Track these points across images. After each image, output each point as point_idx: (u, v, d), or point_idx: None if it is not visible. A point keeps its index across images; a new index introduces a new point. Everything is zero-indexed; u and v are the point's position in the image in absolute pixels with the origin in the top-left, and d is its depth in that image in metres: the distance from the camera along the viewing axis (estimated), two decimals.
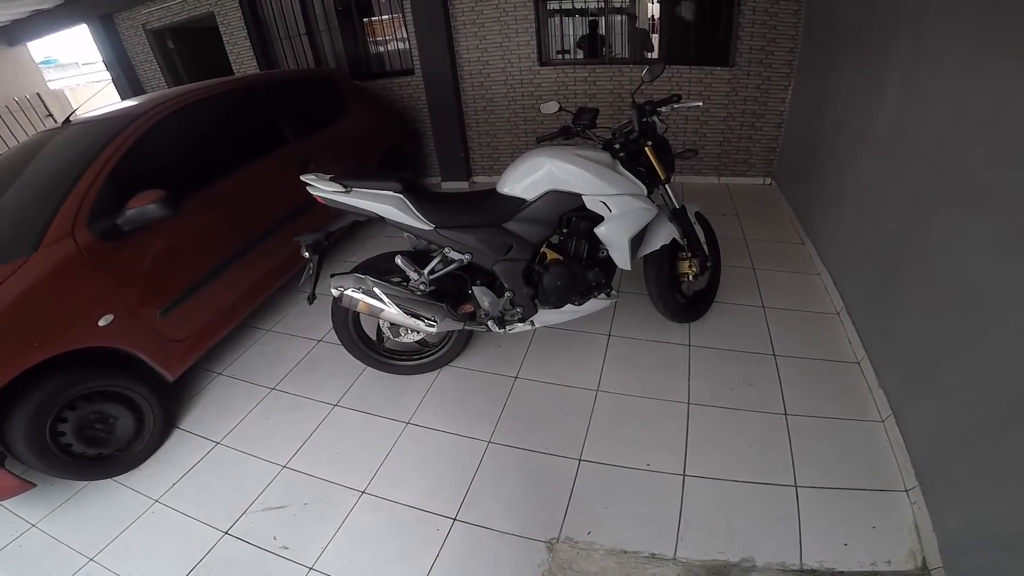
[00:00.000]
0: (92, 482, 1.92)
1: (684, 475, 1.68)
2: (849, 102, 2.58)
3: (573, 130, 2.16)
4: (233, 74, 4.82)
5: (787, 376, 2.05)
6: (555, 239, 2.02)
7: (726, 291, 2.59)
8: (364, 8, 4.27)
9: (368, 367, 2.33)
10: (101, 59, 5.57)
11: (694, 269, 2.25)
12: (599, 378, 2.16)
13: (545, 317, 2.11)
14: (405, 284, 1.98)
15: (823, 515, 1.51)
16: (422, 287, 1.95)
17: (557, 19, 3.96)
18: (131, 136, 2.16)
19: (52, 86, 9.41)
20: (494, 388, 2.17)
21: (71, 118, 2.49)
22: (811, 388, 1.98)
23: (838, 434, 1.77)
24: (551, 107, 2.26)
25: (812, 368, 2.09)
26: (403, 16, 4.04)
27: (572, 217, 1.96)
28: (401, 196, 1.84)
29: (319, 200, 1.87)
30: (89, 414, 1.84)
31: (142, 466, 1.99)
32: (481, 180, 4.60)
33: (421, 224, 1.85)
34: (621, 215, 1.93)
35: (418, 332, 2.09)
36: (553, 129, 2.27)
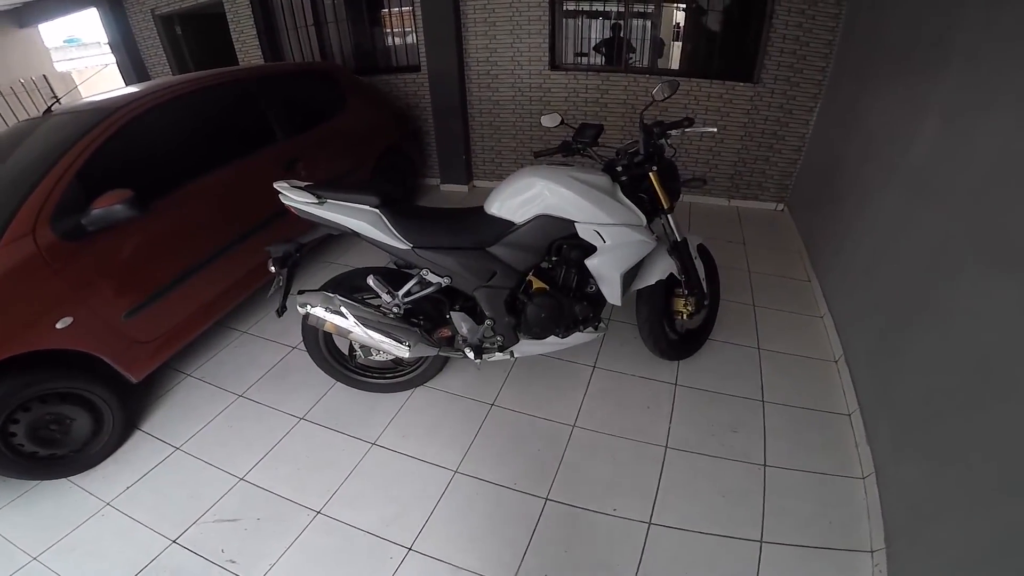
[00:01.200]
0: (44, 482, 2.00)
1: (649, 523, 1.74)
2: (879, 130, 2.57)
3: (573, 147, 2.15)
4: (237, 63, 4.93)
5: (773, 424, 2.10)
6: (544, 265, 2.02)
7: (722, 328, 2.64)
8: (375, 0, 4.37)
9: (337, 382, 2.40)
10: (107, 42, 5.75)
11: (689, 308, 2.27)
12: (577, 412, 2.21)
13: (526, 348, 2.13)
14: (378, 304, 2.01)
15: (781, 572, 1.56)
16: (395, 310, 1.98)
17: (576, 20, 4.03)
18: (105, 132, 2.21)
19: (67, 67, 9.69)
20: (468, 414, 2.24)
21: (52, 108, 2.58)
22: (796, 439, 2.03)
23: (816, 489, 1.82)
24: (552, 120, 2.25)
25: (800, 417, 2.13)
26: (412, 10, 4.13)
27: (563, 245, 1.95)
28: (377, 212, 1.84)
29: (290, 209, 1.89)
30: (43, 415, 1.90)
31: (98, 467, 2.07)
32: (481, 185, 4.68)
33: (398, 243, 1.86)
34: (615, 247, 1.92)
35: (383, 355, 2.13)
36: (553, 144, 2.27)
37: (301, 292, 1.98)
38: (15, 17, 7.48)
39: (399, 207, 1.92)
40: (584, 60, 4.16)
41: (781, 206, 4.12)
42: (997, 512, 1.16)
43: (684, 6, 3.92)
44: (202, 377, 2.55)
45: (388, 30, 4.48)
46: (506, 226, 1.91)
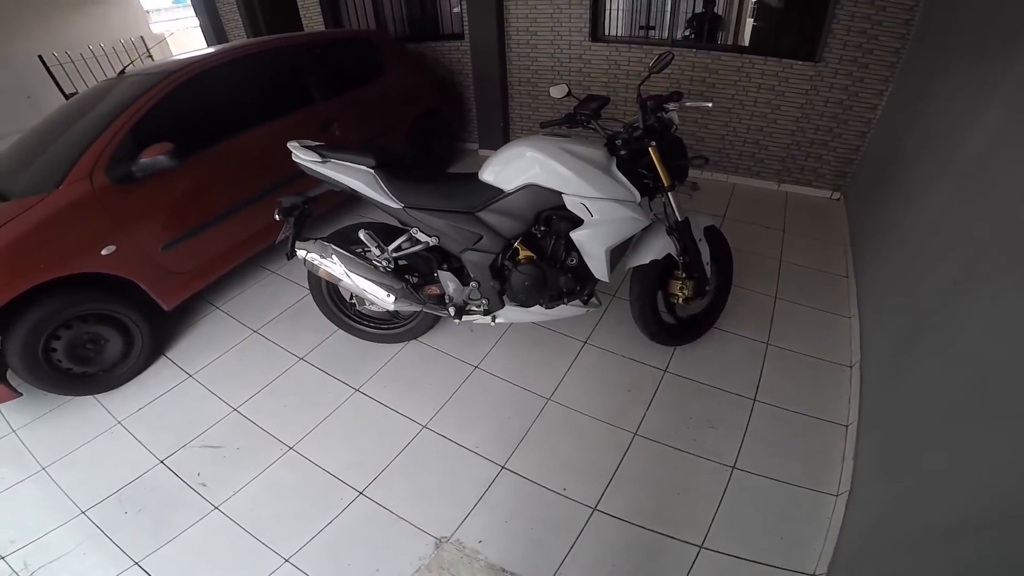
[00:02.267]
0: (75, 398, 2.20)
1: (594, 509, 1.64)
2: (940, 118, 2.20)
3: (577, 119, 2.02)
4: (303, 29, 5.04)
5: (757, 426, 1.90)
6: (536, 233, 1.95)
7: (732, 317, 2.41)
8: None
9: (339, 329, 2.45)
10: (191, 3, 6.05)
11: (686, 292, 2.08)
12: (556, 386, 2.12)
13: (511, 314, 2.09)
14: (370, 257, 2.03)
15: None
16: (384, 263, 2.00)
17: None
18: (159, 93, 2.41)
19: (169, 27, 10.42)
20: (451, 373, 2.21)
21: (126, 70, 2.79)
22: (777, 444, 1.82)
23: (779, 501, 1.63)
24: (560, 90, 2.12)
25: (790, 422, 1.91)
26: None
27: (552, 215, 1.88)
28: (372, 172, 1.88)
29: (298, 165, 1.97)
30: (82, 334, 2.11)
31: (122, 387, 2.25)
32: None
33: (390, 202, 1.89)
34: (602, 222, 1.81)
35: (375, 305, 2.15)
36: (562, 115, 2.13)
37: (304, 240, 2.05)
38: None
39: (394, 169, 1.94)
40: (644, 33, 3.82)
41: (837, 195, 3.65)
42: (956, 550, 0.96)
43: None
44: (228, 311, 2.70)
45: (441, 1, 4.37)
46: (495, 193, 1.86)
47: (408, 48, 4.09)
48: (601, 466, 1.78)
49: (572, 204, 1.80)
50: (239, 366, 2.33)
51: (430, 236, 1.92)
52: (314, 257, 2.02)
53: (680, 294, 2.11)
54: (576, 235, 1.85)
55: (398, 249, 1.99)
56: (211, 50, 2.95)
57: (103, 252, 2.09)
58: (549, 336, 2.38)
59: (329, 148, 1.94)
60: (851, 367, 2.14)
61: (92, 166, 2.11)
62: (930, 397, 1.41)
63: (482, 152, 4.53)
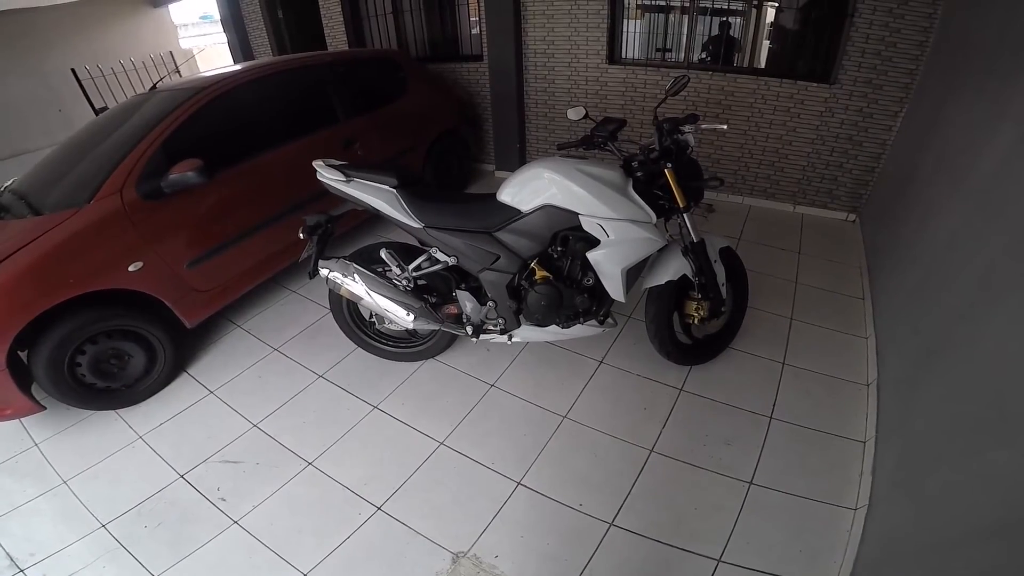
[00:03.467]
0: (97, 412, 2.29)
1: (611, 524, 1.68)
2: (953, 138, 2.26)
3: (594, 141, 2.10)
4: (326, 48, 5.28)
5: (774, 442, 1.93)
6: (552, 254, 2.01)
7: (747, 337, 2.45)
8: None
9: (357, 347, 2.53)
10: (219, 19, 6.36)
11: (702, 313, 2.13)
12: (572, 404, 2.17)
13: (527, 333, 2.14)
14: (391, 276, 2.12)
15: None
16: (404, 282, 2.08)
17: (642, 17, 3.86)
18: (189, 109, 2.51)
19: (197, 43, 10.88)
20: (468, 392, 2.28)
21: (157, 85, 2.95)
22: (794, 460, 1.86)
23: (798, 515, 1.66)
24: (577, 112, 2.22)
25: (807, 439, 1.94)
26: (479, 1, 4.18)
27: (568, 236, 1.94)
28: (394, 192, 1.97)
29: (322, 184, 2.06)
30: (107, 349, 2.20)
31: (144, 403, 2.34)
32: None
33: (410, 221, 1.97)
34: (618, 242, 1.87)
35: (395, 324, 2.23)
36: (579, 137, 2.20)
37: (326, 258, 2.14)
38: None
39: (416, 189, 2.03)
40: (660, 56, 3.96)
41: (853, 216, 3.70)
42: (975, 559, 1.00)
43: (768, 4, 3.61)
44: (249, 329, 2.80)
45: (457, 21, 4.56)
46: (512, 213, 1.93)
47: (428, 69, 4.26)
48: (617, 482, 1.82)
49: (588, 224, 1.86)
50: (259, 383, 2.41)
51: (449, 256, 2.00)
52: (336, 276, 2.11)
53: (696, 315, 2.16)
54: (593, 255, 1.91)
55: (418, 268, 2.08)
56: (239, 67, 3.09)
57: (130, 269, 2.18)
58: (565, 355, 2.44)
59: (353, 168, 2.04)
60: (867, 385, 2.17)
61: (123, 182, 2.20)
62: (947, 413, 1.45)
63: (498, 173, 4.66)
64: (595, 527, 1.67)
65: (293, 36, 5.82)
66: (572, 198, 1.84)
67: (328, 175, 2.03)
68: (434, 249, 2.02)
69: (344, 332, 2.48)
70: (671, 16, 3.90)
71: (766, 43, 3.80)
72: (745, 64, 3.86)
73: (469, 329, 2.13)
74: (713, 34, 3.83)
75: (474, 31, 4.42)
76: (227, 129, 2.73)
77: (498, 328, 2.13)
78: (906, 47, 3.13)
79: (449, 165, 4.14)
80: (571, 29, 3.86)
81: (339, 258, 2.14)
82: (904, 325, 2.12)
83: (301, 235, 2.09)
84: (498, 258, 1.97)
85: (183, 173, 2.24)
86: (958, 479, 1.21)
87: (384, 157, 3.52)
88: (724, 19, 3.77)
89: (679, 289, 2.13)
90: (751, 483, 1.78)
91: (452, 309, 2.17)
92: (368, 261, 2.15)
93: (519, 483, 1.85)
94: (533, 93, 4.29)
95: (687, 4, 3.65)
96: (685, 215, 1.99)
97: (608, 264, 1.92)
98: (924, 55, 3.10)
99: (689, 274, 2.08)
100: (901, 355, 1.99)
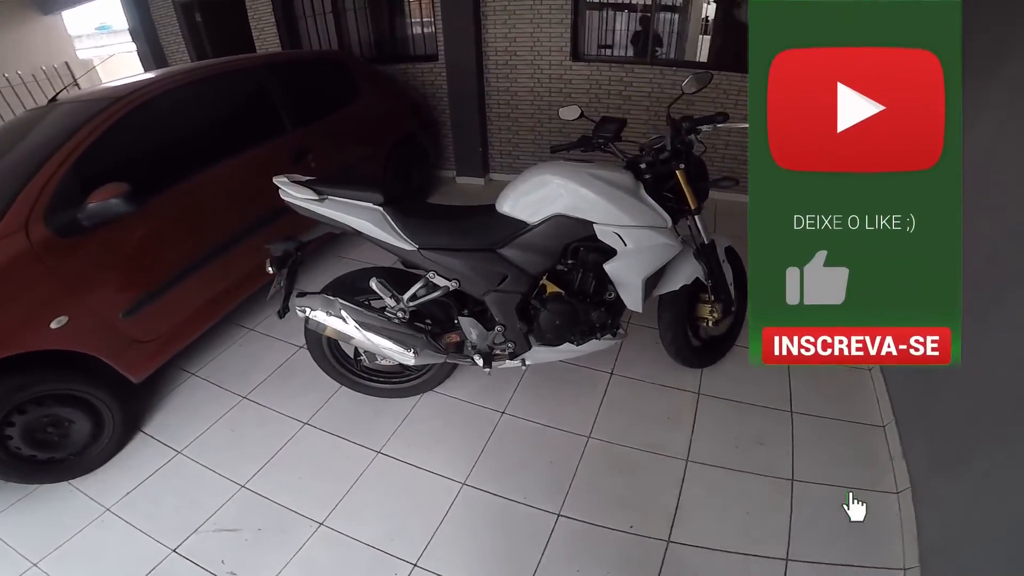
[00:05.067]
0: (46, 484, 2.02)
1: (668, 541, 1.68)
2: None
3: (593, 142, 2.09)
4: (255, 51, 4.99)
5: (802, 436, 2.02)
6: (560, 268, 1.96)
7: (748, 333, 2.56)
8: None
9: (342, 386, 2.37)
10: (127, 28, 5.89)
11: (716, 315, 2.18)
12: (593, 423, 2.16)
13: (539, 355, 2.08)
14: (383, 307, 1.97)
15: None
16: (400, 314, 1.93)
17: (600, 12, 3.96)
18: (104, 123, 2.20)
19: (95, 54, 9.92)
20: (477, 423, 2.20)
21: (58, 97, 2.61)
22: (826, 451, 1.95)
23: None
24: (571, 112, 2.20)
25: (831, 429, 2.05)
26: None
27: (580, 247, 1.89)
28: (380, 210, 1.79)
29: (288, 205, 1.86)
30: (40, 417, 1.91)
31: (99, 470, 2.08)
32: (498, 178, 4.66)
33: (403, 244, 1.81)
34: (637, 250, 1.84)
35: (387, 359, 2.10)
36: (571, 138, 2.19)
37: (301, 294, 1.95)
38: (39, 4, 7.73)
39: (404, 205, 1.87)
40: (608, 52, 4.08)
41: None
42: None
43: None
44: (206, 376, 2.56)
45: (407, 19, 4.49)
46: (518, 226, 1.84)
47: (380, 71, 4.13)
48: (661, 498, 1.83)
49: (604, 234, 1.82)
50: (233, 437, 2.21)
51: (450, 280, 1.86)
52: (319, 315, 1.92)
53: (710, 317, 2.21)
54: (610, 267, 1.87)
55: (414, 297, 1.91)
56: (162, 73, 2.80)
57: (53, 326, 1.86)
58: (572, 371, 2.43)
59: (324, 183, 1.83)
60: (870, 370, 2.32)
61: (27, 215, 1.85)
62: (958, 391, 1.60)
63: (460, 180, 4.60)
64: (653, 548, 1.67)
65: (215, 42, 5.49)
66: (586, 206, 1.78)
67: (295, 194, 1.81)
68: (431, 273, 1.86)
69: (327, 372, 2.30)
70: (623, 13, 4.03)
71: (721, 39, 3.98)
72: (705, 59, 4.05)
73: (478, 359, 2.02)
74: (669, 31, 4.00)
75: (427, 30, 4.34)
76: (154, 146, 2.44)
77: (506, 353, 2.05)
78: None
79: (408, 173, 4.03)
80: (533, 25, 3.90)
81: (317, 293, 1.95)
82: None
83: (269, 269, 1.89)
84: (505, 278, 1.88)
85: (105, 201, 1.93)
86: (1001, 459, 1.32)
87: (340, 168, 3.36)
88: (681, 15, 3.96)
89: (690, 293, 2.17)
90: (793, 480, 1.85)
91: (453, 337, 2.04)
92: (350, 292, 1.98)
93: (559, 514, 1.81)
94: (495, 93, 4.28)
95: (649, 2, 3.78)
96: (696, 217, 2.02)
97: (628, 275, 1.89)
98: None
99: (702, 277, 2.11)
100: None
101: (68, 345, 1.95)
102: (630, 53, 4.07)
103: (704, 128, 1.91)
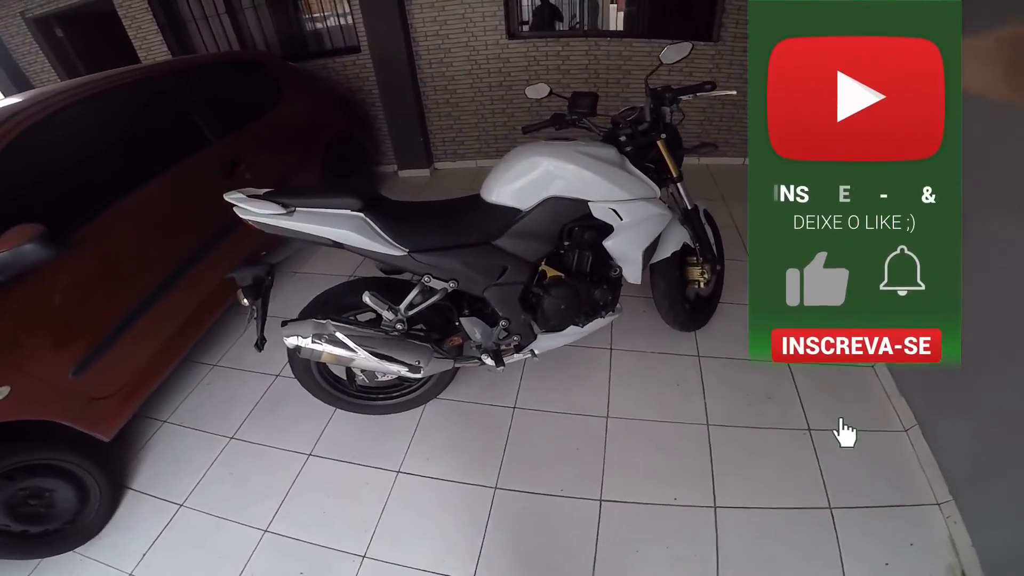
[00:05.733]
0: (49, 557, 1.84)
1: (715, 506, 1.77)
2: None
3: (567, 119, 2.08)
4: (139, 62, 4.48)
5: (804, 386, 2.17)
6: (561, 249, 1.95)
7: (729, 290, 2.65)
8: None
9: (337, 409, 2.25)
10: None
11: (706, 276, 2.29)
12: (607, 402, 2.21)
13: (545, 343, 2.07)
14: (376, 321, 1.89)
15: (859, 536, 1.64)
16: (399, 326, 1.85)
17: None
18: None
19: None
20: (491, 422, 2.18)
21: None
22: (830, 397, 2.11)
23: (863, 447, 1.90)
24: (540, 91, 2.16)
25: (826, 374, 2.21)
26: None
27: (575, 227, 1.89)
28: (361, 216, 1.68)
29: (252, 225, 1.67)
30: (16, 492, 1.72)
31: (100, 535, 1.91)
32: (444, 167, 4.57)
33: (391, 250, 1.71)
34: (634, 224, 1.88)
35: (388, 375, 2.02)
36: (542, 117, 2.17)
37: (285, 323, 1.80)
38: None
39: (383, 207, 1.77)
40: (524, 28, 4.08)
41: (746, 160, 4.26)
42: None
43: None
44: (181, 422, 2.35)
45: (315, 12, 4.22)
46: (511, 214, 1.81)
47: (299, 69, 3.88)
48: (696, 465, 1.91)
49: (600, 211, 1.83)
50: (235, 481, 2.05)
51: (448, 281, 1.81)
52: (314, 344, 1.76)
53: (701, 278, 2.32)
54: (610, 243, 1.91)
55: (411, 306, 1.83)
56: (46, 91, 2.35)
57: None
58: (572, 353, 2.44)
59: (286, 193, 1.67)
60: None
61: None
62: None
63: (403, 173, 4.45)
64: (703, 514, 1.75)
65: (85, 57, 4.90)
66: (580, 184, 1.78)
67: (256, 210, 1.62)
68: (426, 277, 1.80)
69: (319, 398, 2.16)
70: None
71: (634, 6, 4.08)
72: (620, 27, 4.13)
73: (487, 359, 1.98)
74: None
75: (344, 21, 4.11)
76: (62, 174, 2.13)
77: (512, 346, 2.04)
78: None
79: (348, 174, 3.84)
80: (464, 6, 3.80)
81: (304, 319, 1.80)
82: None
83: (244, 302, 1.74)
84: (505, 269, 1.85)
85: (17, 248, 1.65)
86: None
87: (278, 177, 3.14)
88: None
89: (679, 259, 2.24)
90: (810, 429, 2.00)
91: (455, 340, 2.00)
92: (335, 311, 1.86)
93: (601, 500, 1.85)
94: (429, 80, 4.15)
95: None
96: (679, 184, 2.09)
97: (628, 249, 1.93)
98: None
99: (689, 241, 2.21)
100: None
101: (18, 416, 1.72)
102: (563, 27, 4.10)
103: (685, 98, 1.97)
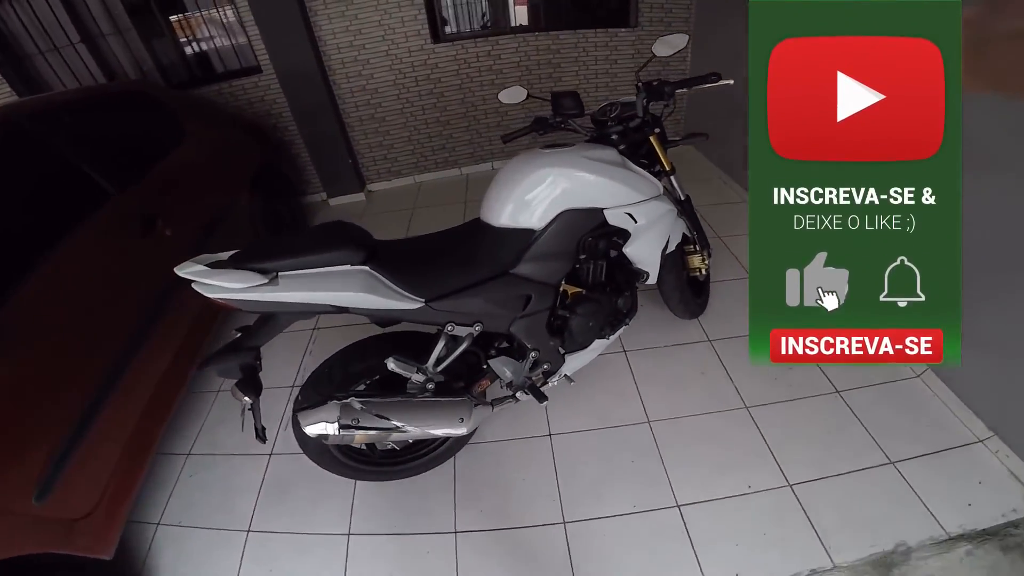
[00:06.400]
0: None
1: (790, 485, 1.84)
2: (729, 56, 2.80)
3: (551, 122, 2.02)
4: None
5: None
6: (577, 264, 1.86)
7: (716, 268, 2.75)
8: (168, 3, 3.60)
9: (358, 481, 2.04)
10: None
11: (706, 263, 2.36)
12: (642, 406, 2.21)
13: (575, 363, 2.00)
14: (397, 383, 1.70)
15: (931, 483, 1.78)
16: (430, 386, 1.68)
17: None
18: None
19: None
20: (533, 456, 2.08)
21: None
22: None
23: (891, 398, 2.08)
24: (516, 95, 2.08)
25: None
26: (234, 3, 3.49)
27: (589, 238, 1.79)
28: (367, 269, 1.43)
29: (222, 304, 1.34)
30: None
31: None
32: (380, 188, 4.31)
33: (405, 303, 1.49)
34: (649, 224, 1.86)
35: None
36: (520, 124, 2.10)
37: (300, 409, 1.57)
38: None
39: (382, 252, 1.54)
40: (447, 29, 3.95)
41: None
42: None
43: None
44: (178, 522, 2.03)
45: (201, 34, 3.74)
46: (525, 236, 1.67)
47: (198, 97, 3.41)
48: (753, 448, 1.97)
49: (615, 217, 1.78)
50: None
51: (472, 325, 1.63)
52: (342, 429, 1.53)
53: (702, 266, 2.39)
54: (630, 249, 1.88)
55: (439, 361, 1.65)
56: None
57: None
58: (587, 366, 2.40)
59: (258, 254, 1.36)
60: None
61: None
62: None
63: (334, 202, 4.11)
64: (783, 495, 1.81)
65: None
66: (594, 192, 1.71)
67: (226, 284, 1.28)
68: (449, 326, 1.61)
69: (343, 475, 1.94)
70: None
71: None
72: (527, 22, 4.13)
73: (522, 394, 1.86)
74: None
75: (238, 40, 3.67)
76: None
77: (540, 377, 1.95)
78: None
79: (276, 210, 3.47)
80: (380, 12, 3.56)
81: (320, 404, 1.56)
82: None
83: (246, 399, 1.45)
84: (530, 299, 1.72)
85: None
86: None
87: (201, 227, 2.72)
88: None
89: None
90: (838, 391, 2.14)
91: (483, 384, 1.87)
92: (346, 384, 1.65)
93: (678, 505, 1.84)
94: (349, 95, 3.86)
95: None
96: (672, 176, 2.11)
97: (648, 251, 1.93)
98: None
99: (687, 232, 2.27)
100: None
101: None
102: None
103: (683, 91, 1.98)
